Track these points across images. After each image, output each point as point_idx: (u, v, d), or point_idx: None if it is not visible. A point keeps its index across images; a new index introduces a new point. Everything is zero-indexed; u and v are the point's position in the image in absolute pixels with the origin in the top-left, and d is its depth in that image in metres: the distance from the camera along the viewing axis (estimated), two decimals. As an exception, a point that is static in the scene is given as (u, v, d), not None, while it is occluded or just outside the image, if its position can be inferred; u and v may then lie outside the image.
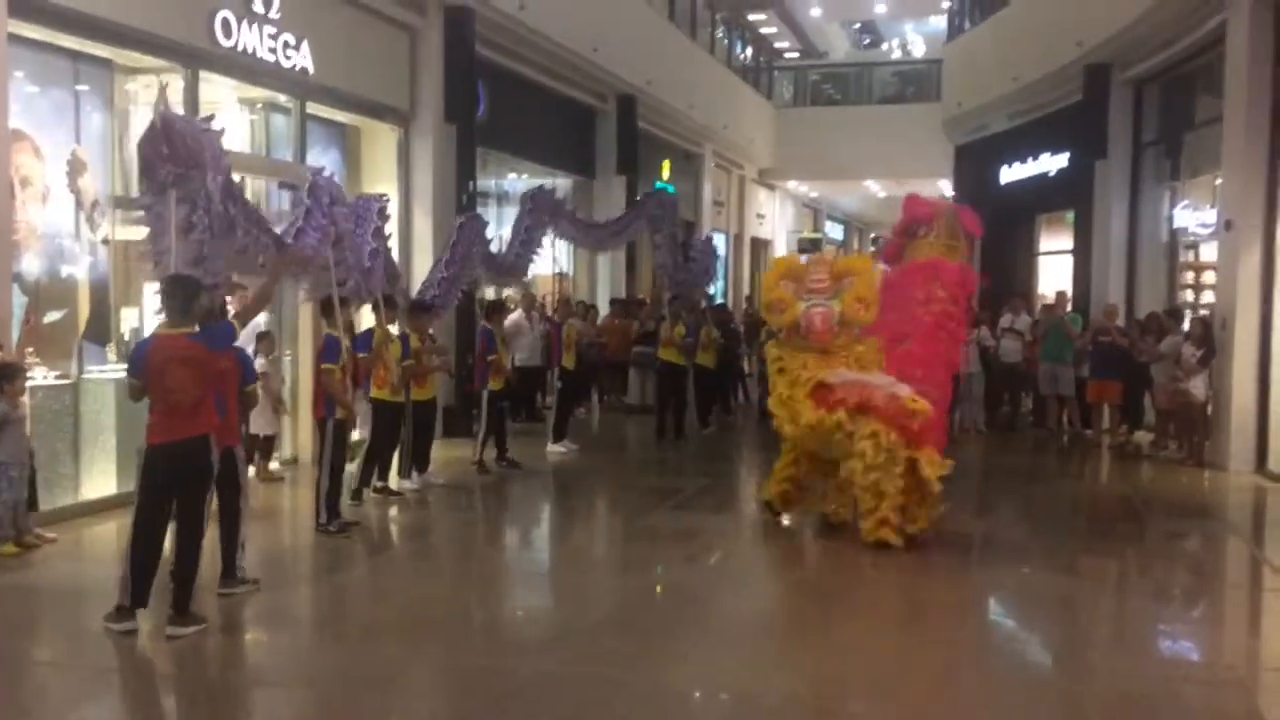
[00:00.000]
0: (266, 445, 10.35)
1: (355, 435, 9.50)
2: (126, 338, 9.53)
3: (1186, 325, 12.67)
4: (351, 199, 9.31)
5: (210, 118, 7.39)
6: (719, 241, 25.98)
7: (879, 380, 8.08)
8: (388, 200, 9.26)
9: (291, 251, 7.83)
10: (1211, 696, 5.49)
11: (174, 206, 6.68)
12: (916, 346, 8.60)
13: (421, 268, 11.97)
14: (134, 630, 6.03)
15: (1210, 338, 11.78)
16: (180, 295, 6.19)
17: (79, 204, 9.07)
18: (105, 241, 9.36)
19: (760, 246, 29.82)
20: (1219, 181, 12.75)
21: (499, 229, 14.31)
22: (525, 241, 11.85)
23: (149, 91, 9.73)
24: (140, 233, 7.65)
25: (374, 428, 9.64)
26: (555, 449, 12.45)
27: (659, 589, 7.63)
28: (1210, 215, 13.64)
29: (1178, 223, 14.98)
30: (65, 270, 9.14)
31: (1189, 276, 14.92)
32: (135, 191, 9.43)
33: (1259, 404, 11.36)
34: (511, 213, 16.35)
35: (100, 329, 9.49)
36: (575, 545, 9.11)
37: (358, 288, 8.94)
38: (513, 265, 11.76)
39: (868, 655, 6.09)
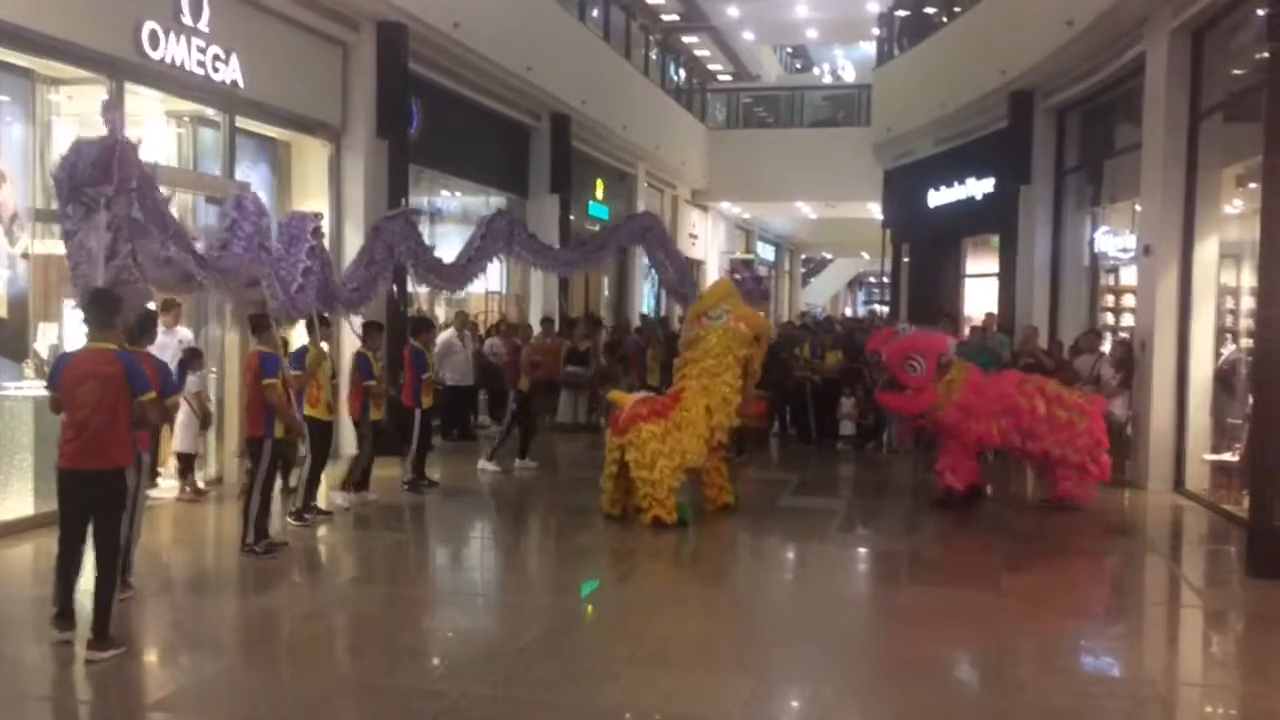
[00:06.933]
0: (187, 463, 10.14)
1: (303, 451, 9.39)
2: (44, 354, 9.28)
3: (1107, 347, 12.98)
4: (283, 216, 9.12)
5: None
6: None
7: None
8: (321, 218, 9.08)
9: (216, 264, 7.59)
10: (1132, 712, 5.59)
11: (102, 230, 6.33)
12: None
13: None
14: (69, 641, 5.97)
15: (1130, 359, 12.07)
16: (100, 309, 6.09)
17: (-3, 217, 8.85)
18: (24, 256, 9.12)
19: (692, 267, 29.93)
20: (1138, 207, 13.08)
21: (431, 244, 14.08)
22: (473, 259, 11.63)
23: (72, 103, 9.53)
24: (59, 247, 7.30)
25: (311, 447, 9.49)
26: (525, 464, 12.53)
27: (590, 609, 7.61)
28: (1130, 240, 14.00)
29: (1099, 247, 15.34)
30: (-19, 284, 8.91)
31: (1109, 299, 15.30)
32: (56, 205, 9.24)
33: (1176, 424, 11.64)
34: (444, 230, 16.30)
35: (17, 344, 9.23)
36: (508, 565, 9.04)
37: (284, 308, 8.75)
38: (451, 274, 11.41)
39: (795, 675, 6.12)
